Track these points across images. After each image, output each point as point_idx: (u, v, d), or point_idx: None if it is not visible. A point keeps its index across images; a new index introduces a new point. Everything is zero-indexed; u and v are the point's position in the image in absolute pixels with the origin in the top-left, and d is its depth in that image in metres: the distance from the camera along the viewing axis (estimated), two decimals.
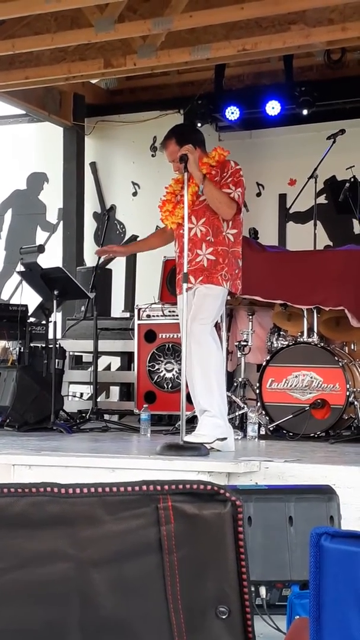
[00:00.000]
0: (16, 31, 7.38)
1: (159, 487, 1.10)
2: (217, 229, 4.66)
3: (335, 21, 6.80)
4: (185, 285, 4.36)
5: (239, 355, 6.15)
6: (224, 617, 1.11)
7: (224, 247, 4.65)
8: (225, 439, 4.48)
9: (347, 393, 5.45)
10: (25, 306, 6.52)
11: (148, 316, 6.79)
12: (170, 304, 6.45)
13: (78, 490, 1.10)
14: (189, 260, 4.55)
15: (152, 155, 9.31)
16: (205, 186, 4.54)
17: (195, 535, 1.10)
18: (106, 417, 6.57)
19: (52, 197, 9.76)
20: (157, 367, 6.70)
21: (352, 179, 6.19)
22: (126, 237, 9.45)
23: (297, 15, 6.84)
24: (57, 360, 6.11)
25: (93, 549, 1.11)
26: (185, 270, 4.37)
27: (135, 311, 6.89)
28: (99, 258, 6.76)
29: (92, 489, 1.10)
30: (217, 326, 4.83)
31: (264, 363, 5.74)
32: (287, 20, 6.92)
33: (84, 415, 6.32)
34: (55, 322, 5.97)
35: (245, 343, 6.06)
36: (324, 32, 6.91)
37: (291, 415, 5.49)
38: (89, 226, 9.58)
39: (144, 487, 1.10)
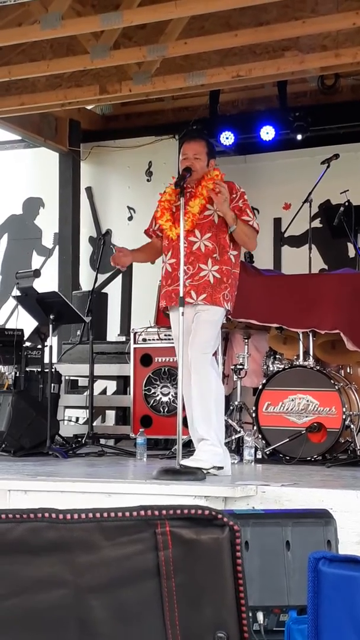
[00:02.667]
0: (12, 58, 7.45)
1: (156, 512, 1.11)
2: (223, 248, 4.63)
3: (328, 47, 6.88)
4: (180, 309, 4.33)
5: (235, 379, 6.15)
6: None
7: (228, 267, 4.63)
8: (222, 468, 4.46)
9: (344, 416, 5.44)
10: (21, 330, 6.52)
11: (144, 340, 6.79)
12: (166, 327, 6.45)
13: (76, 516, 1.10)
14: (191, 274, 4.52)
15: (148, 180, 9.36)
16: (239, 226, 4.58)
17: (193, 561, 1.10)
18: (102, 441, 6.55)
19: (48, 222, 9.79)
20: (153, 391, 6.69)
21: (347, 203, 6.23)
22: None
23: (291, 42, 6.92)
24: (52, 385, 6.10)
25: (91, 575, 1.11)
26: (181, 294, 4.34)
27: (131, 335, 6.89)
28: (95, 282, 6.78)
29: (90, 515, 1.11)
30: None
31: (260, 386, 5.73)
32: (281, 47, 7.00)
33: (79, 439, 6.30)
34: (51, 347, 5.97)
35: (241, 366, 6.05)
36: (318, 58, 6.99)
37: (287, 439, 5.48)
38: (85, 251, 9.60)
39: (142, 512, 1.11)
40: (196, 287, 4.53)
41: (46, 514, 1.09)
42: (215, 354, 4.77)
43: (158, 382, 6.68)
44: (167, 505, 1.12)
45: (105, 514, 1.10)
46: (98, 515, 1.10)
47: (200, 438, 4.49)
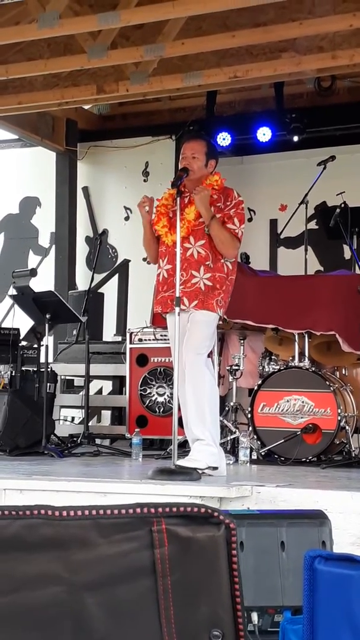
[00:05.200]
0: (9, 57, 7.44)
1: (152, 510, 1.10)
2: (216, 256, 4.60)
3: (325, 49, 6.89)
4: (177, 309, 4.33)
5: (230, 380, 6.15)
6: None
7: (221, 274, 4.61)
8: (217, 468, 4.45)
9: (339, 418, 5.45)
10: (17, 330, 6.51)
11: (140, 340, 6.79)
12: (162, 327, 6.45)
13: (72, 513, 1.10)
14: (184, 280, 4.50)
15: (144, 180, 9.36)
16: (211, 226, 4.53)
17: (189, 558, 1.10)
18: (98, 441, 6.54)
19: (45, 221, 9.78)
20: (148, 391, 6.68)
21: (343, 205, 6.23)
22: (118, 261, 9.47)
23: (288, 43, 6.92)
24: (48, 384, 6.09)
25: (86, 572, 1.11)
26: (177, 294, 4.34)
27: (127, 335, 6.88)
28: (91, 282, 6.77)
29: (86, 512, 1.10)
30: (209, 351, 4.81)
31: (256, 387, 5.74)
32: (278, 48, 7.00)
33: (75, 439, 6.29)
34: (47, 346, 5.96)
35: (236, 367, 6.05)
36: (315, 59, 6.99)
37: (283, 440, 5.48)
38: (81, 250, 9.60)
39: (138, 510, 1.10)
40: (188, 294, 4.52)
41: (42, 511, 1.09)
42: (210, 354, 4.77)
43: (154, 382, 6.67)
44: (163, 503, 1.12)
45: (101, 512, 1.10)
46: (94, 512, 1.10)
47: (196, 438, 4.49)
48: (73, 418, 7.95)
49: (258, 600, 2.89)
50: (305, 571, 1.12)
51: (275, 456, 5.54)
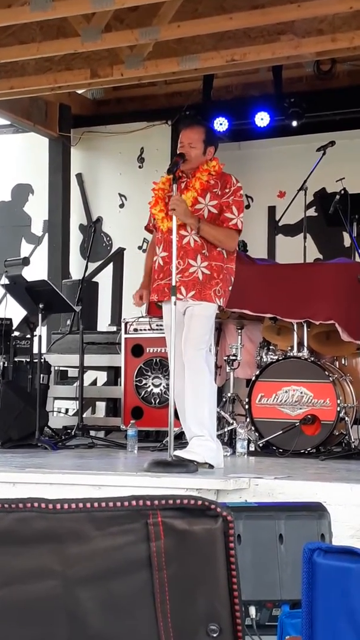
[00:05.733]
0: (1, 40, 7.40)
1: (148, 503, 1.10)
2: (212, 244, 4.59)
3: (324, 32, 6.86)
4: (173, 299, 4.32)
5: (227, 370, 6.15)
6: (214, 635, 1.11)
7: (218, 263, 4.59)
8: (213, 467, 4.46)
9: (338, 409, 5.46)
10: (10, 320, 6.50)
11: (135, 330, 6.79)
12: (158, 317, 6.45)
13: (66, 506, 1.10)
14: (181, 269, 4.48)
15: (140, 167, 9.34)
16: (202, 231, 4.51)
17: (185, 552, 1.10)
18: (92, 433, 6.54)
19: (38, 209, 9.76)
20: (144, 382, 6.69)
21: (342, 191, 6.22)
22: (113, 249, 9.46)
23: (286, 26, 6.89)
24: (41, 375, 6.09)
25: (81, 566, 1.11)
26: (174, 283, 4.33)
27: (122, 325, 6.88)
28: (85, 270, 6.76)
29: (80, 505, 1.10)
30: None
31: (254, 378, 5.74)
32: (276, 31, 6.97)
33: (69, 431, 6.30)
34: (40, 336, 5.95)
35: (234, 357, 6.05)
36: (314, 42, 6.96)
37: (281, 431, 5.49)
38: (75, 238, 9.58)
39: (134, 503, 1.10)
40: (185, 283, 4.50)
41: (35, 504, 1.09)
42: (210, 347, 4.77)
43: (149, 373, 6.67)
44: (159, 496, 1.12)
45: (95, 504, 1.10)
46: (88, 505, 1.10)
47: (193, 435, 4.49)
48: (67, 410, 7.95)
49: (256, 594, 2.90)
50: (304, 564, 1.12)
51: (274, 448, 5.55)
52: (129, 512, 1.10)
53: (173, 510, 1.10)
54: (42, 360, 6.25)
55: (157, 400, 6.62)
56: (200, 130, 4.73)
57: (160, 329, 6.41)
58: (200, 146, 4.65)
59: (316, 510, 3.07)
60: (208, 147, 4.69)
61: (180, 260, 4.50)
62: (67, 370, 8.13)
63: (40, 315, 5.83)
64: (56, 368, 7.64)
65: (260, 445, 5.62)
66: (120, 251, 9.38)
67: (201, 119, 4.86)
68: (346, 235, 7.96)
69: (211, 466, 4.43)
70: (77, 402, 6.49)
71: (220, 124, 8.32)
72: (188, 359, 4.46)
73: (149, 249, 5.03)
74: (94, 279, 8.97)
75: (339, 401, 5.46)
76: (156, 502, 1.10)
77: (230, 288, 4.69)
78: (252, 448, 5.60)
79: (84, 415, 6.65)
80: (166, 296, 4.57)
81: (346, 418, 5.55)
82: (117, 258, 9.41)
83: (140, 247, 9.06)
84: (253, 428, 5.64)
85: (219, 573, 1.10)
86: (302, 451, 5.44)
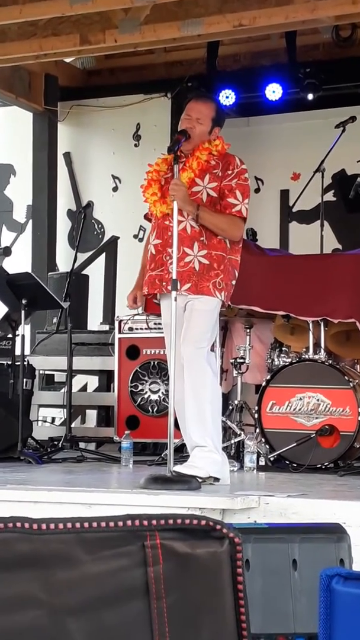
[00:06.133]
0: None
1: (145, 522, 1.11)
2: (212, 231, 4.61)
3: None
4: (174, 293, 4.31)
5: (234, 375, 6.16)
6: None
7: (219, 252, 4.58)
8: (219, 479, 4.46)
9: (359, 418, 5.46)
10: None
11: (130, 329, 6.80)
12: (156, 315, 6.46)
13: (52, 526, 1.10)
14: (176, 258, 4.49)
15: (136, 145, 9.34)
16: (201, 218, 4.49)
17: (187, 578, 1.10)
18: (82, 445, 6.56)
19: (20, 193, 9.77)
20: (140, 387, 6.69)
21: None
22: (105, 238, 9.47)
23: None
24: (25, 380, 6.10)
25: (69, 594, 1.11)
26: (174, 276, 4.33)
27: (116, 323, 6.89)
28: (74, 262, 6.77)
29: (69, 525, 1.10)
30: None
31: (264, 383, 5.75)
32: None
33: (55, 443, 6.31)
34: (23, 336, 5.96)
35: (242, 360, 6.06)
36: (332, 5, 6.95)
37: (295, 444, 5.50)
38: (63, 226, 9.59)
39: (129, 522, 1.11)
40: (180, 274, 4.44)
41: (18, 524, 1.09)
42: (212, 346, 4.77)
43: (146, 378, 6.68)
44: (157, 515, 1.12)
45: (86, 524, 1.10)
46: (78, 525, 1.10)
47: (195, 445, 4.49)
48: (53, 419, 7.97)
49: (266, 626, 2.91)
50: (321, 592, 1.12)
51: (286, 462, 5.56)
52: (124, 533, 1.10)
53: (173, 531, 1.10)
54: (26, 363, 6.26)
55: (155, 408, 6.63)
56: (211, 107, 4.74)
57: (159, 328, 6.41)
58: (208, 123, 4.65)
59: (334, 533, 3.07)
60: (215, 127, 4.69)
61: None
62: (53, 375, 8.14)
63: (23, 312, 5.84)
64: (41, 372, 7.65)
65: (272, 459, 5.63)
66: (114, 240, 9.38)
67: (212, 96, 4.86)
68: None
69: (216, 479, 4.43)
70: (65, 410, 6.50)
71: (227, 97, 8.33)
72: (187, 358, 4.45)
73: (147, 241, 5.02)
74: (84, 272, 8.98)
75: None
76: (154, 522, 1.10)
77: (233, 282, 4.68)
78: (262, 462, 5.61)
79: (73, 425, 6.66)
80: (157, 288, 4.57)
81: None
82: (110, 248, 9.42)
83: (136, 236, 9.08)
84: (263, 440, 5.65)
85: (225, 602, 1.10)
86: (319, 466, 5.44)
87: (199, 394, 4.47)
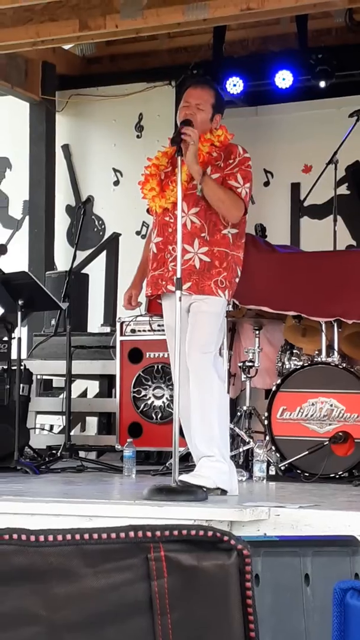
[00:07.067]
0: None
1: (149, 534, 1.11)
2: (215, 226, 4.60)
3: None
4: (178, 293, 4.31)
5: (243, 379, 6.16)
6: None
7: (221, 249, 4.60)
8: (226, 492, 4.46)
9: None
10: None
11: (133, 331, 6.80)
12: (159, 316, 6.46)
13: (51, 538, 1.11)
14: (174, 257, 4.46)
15: (138, 136, 9.35)
16: (204, 184, 4.50)
17: (193, 593, 1.10)
18: (82, 454, 6.56)
19: (16, 187, 9.78)
20: (143, 393, 6.70)
21: None
22: (106, 235, 9.47)
23: None
24: (21, 386, 6.10)
25: (68, 609, 1.12)
26: (179, 275, 4.33)
27: (117, 325, 6.89)
28: (73, 260, 6.77)
29: (68, 536, 1.11)
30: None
31: (274, 388, 5.75)
32: None
33: (54, 452, 6.31)
34: (19, 339, 5.97)
35: (250, 364, 6.06)
36: None
37: (307, 452, 5.50)
38: (61, 222, 9.60)
39: (131, 534, 1.11)
40: (180, 272, 4.46)
41: (14, 535, 1.09)
42: (219, 350, 4.77)
43: (150, 383, 6.69)
44: (161, 526, 1.12)
45: (86, 536, 1.11)
46: (78, 537, 1.10)
47: (201, 455, 4.49)
48: (52, 426, 7.97)
49: None
50: (334, 607, 1.13)
51: (298, 471, 5.56)
52: (126, 545, 1.11)
53: (178, 542, 1.11)
54: (22, 368, 6.27)
55: (159, 415, 6.63)
56: (211, 93, 4.77)
57: (162, 330, 6.41)
58: (209, 110, 4.68)
59: (349, 545, 3.07)
60: (216, 114, 4.72)
61: (174, 245, 4.48)
62: (51, 380, 8.15)
63: (19, 313, 5.85)
64: (39, 377, 7.66)
65: (282, 468, 5.63)
66: (115, 237, 9.39)
67: (210, 79, 4.88)
68: None
69: (224, 492, 4.44)
70: (64, 417, 6.50)
71: (234, 85, 8.32)
72: (193, 364, 4.46)
73: (148, 238, 5.03)
74: (84, 271, 8.99)
75: None
76: (158, 534, 1.11)
77: (237, 280, 4.69)
78: (272, 472, 5.61)
79: (72, 433, 6.66)
80: (160, 289, 4.59)
81: None
82: (111, 245, 9.43)
83: (138, 233, 9.08)
84: (273, 448, 5.65)
85: (233, 618, 1.10)
86: (332, 475, 5.44)
87: (205, 401, 4.47)
